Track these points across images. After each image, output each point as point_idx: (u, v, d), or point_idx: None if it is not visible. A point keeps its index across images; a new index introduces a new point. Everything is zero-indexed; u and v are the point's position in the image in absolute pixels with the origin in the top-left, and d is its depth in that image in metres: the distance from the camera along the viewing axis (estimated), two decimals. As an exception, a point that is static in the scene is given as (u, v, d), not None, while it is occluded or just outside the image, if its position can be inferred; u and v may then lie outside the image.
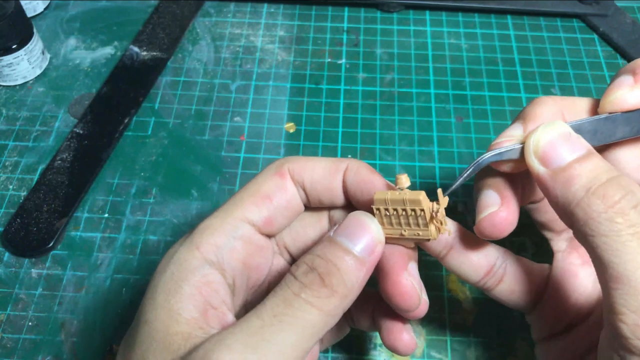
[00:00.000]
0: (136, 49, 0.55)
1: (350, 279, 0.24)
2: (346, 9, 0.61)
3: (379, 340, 0.41)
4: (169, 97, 0.53)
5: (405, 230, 0.26)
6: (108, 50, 0.57)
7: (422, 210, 0.25)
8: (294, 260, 0.32)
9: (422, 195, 0.25)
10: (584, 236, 0.23)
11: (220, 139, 0.51)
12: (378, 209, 0.26)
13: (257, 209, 0.28)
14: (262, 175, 0.29)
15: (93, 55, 0.56)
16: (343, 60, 0.57)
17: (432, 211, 0.25)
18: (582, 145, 0.24)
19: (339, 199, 0.29)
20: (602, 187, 0.23)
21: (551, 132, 0.25)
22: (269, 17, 0.60)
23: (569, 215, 0.24)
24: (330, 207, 0.31)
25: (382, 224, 0.26)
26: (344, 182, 0.29)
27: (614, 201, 0.22)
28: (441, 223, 0.25)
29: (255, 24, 0.59)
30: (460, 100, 0.54)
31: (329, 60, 0.57)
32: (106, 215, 0.46)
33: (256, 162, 0.50)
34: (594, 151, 0.25)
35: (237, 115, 0.52)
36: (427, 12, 0.61)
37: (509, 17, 0.61)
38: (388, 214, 0.26)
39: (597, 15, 0.60)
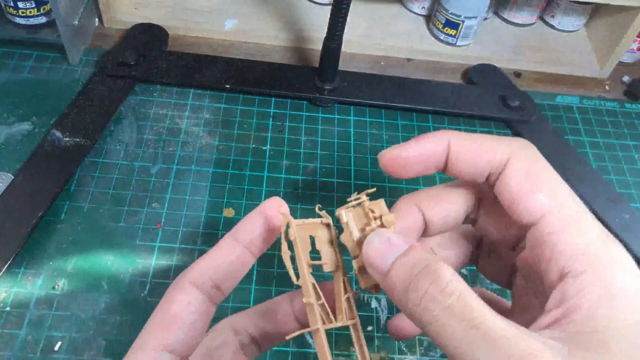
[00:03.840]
0: (58, 134, 0.53)
1: None
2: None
3: None
4: (86, 179, 0.52)
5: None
6: (25, 127, 0.55)
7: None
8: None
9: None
10: (423, 329, 0.23)
11: (136, 226, 0.50)
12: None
13: (169, 333, 0.25)
14: (166, 293, 0.27)
15: (9, 131, 0.55)
16: (268, 147, 0.57)
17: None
18: (401, 245, 0.25)
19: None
20: (415, 279, 0.23)
21: (372, 242, 0.25)
22: (195, 98, 0.60)
23: (407, 315, 0.23)
24: None
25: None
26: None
27: (424, 291, 0.22)
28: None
29: (181, 105, 0.59)
30: (378, 192, 0.55)
31: (254, 145, 0.57)
32: (7, 308, 0.44)
33: (172, 251, 0.49)
34: (415, 245, 0.25)
35: (155, 200, 0.52)
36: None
37: (429, 116, 0.63)
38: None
39: (520, 121, 0.62)
